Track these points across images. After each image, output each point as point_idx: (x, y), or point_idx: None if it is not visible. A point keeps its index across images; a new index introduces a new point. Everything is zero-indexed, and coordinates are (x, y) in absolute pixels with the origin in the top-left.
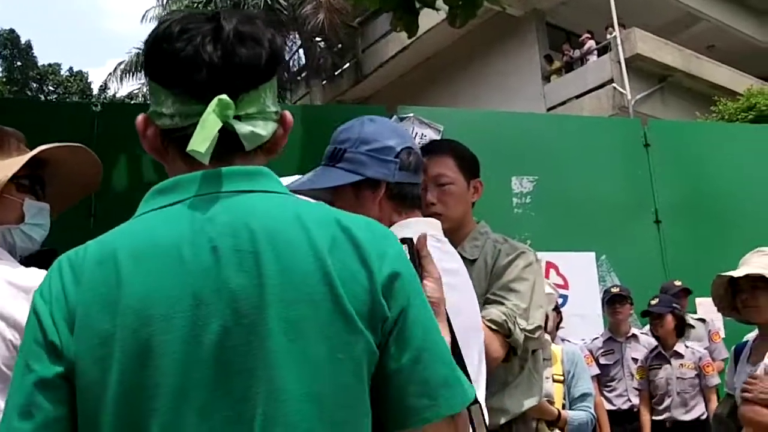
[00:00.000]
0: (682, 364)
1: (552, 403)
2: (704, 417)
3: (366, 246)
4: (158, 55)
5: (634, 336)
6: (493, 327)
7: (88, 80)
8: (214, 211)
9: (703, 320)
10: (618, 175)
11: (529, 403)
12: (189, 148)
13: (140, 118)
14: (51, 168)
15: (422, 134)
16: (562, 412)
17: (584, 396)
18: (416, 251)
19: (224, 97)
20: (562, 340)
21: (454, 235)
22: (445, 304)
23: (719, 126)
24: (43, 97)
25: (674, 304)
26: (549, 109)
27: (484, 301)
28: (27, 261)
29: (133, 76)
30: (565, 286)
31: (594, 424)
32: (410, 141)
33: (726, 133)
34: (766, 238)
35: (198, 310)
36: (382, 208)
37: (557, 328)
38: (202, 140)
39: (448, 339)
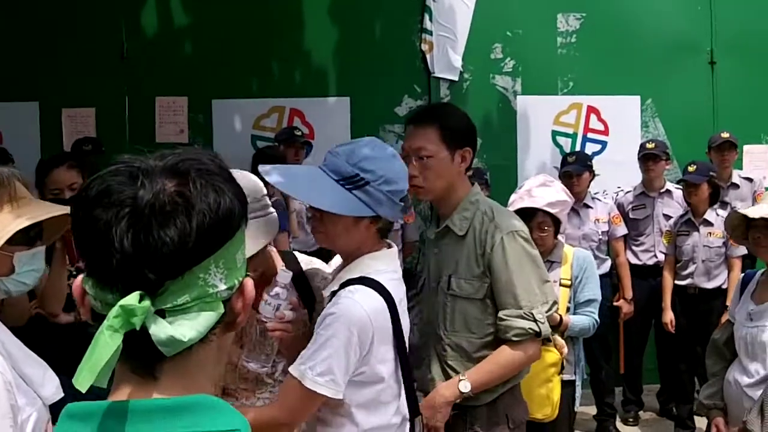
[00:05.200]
0: (710, 233)
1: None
2: (725, 286)
3: None
4: (75, 222)
5: (668, 192)
6: (523, 338)
7: None
8: None
9: (750, 179)
10: (674, 10)
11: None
12: (74, 380)
13: (77, 283)
14: None
15: None
16: (564, 317)
17: (589, 302)
18: None
19: (129, 301)
20: (593, 198)
21: (443, 205)
22: None
23: None
24: None
25: (711, 172)
26: None
27: (499, 306)
28: None
29: None
30: (605, 132)
31: (596, 329)
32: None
33: None
34: None
35: None
36: (367, 236)
37: (588, 185)
38: (87, 372)
39: None
